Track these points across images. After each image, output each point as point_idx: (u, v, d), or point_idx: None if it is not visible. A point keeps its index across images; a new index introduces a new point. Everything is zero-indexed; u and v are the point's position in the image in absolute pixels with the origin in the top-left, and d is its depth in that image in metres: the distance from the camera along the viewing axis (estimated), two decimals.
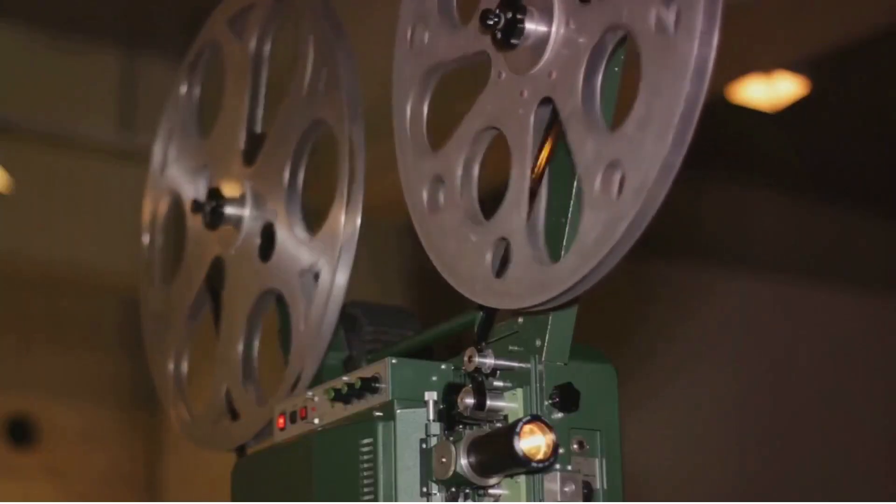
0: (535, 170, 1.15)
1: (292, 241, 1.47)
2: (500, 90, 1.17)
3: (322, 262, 1.42)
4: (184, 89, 1.70)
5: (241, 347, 1.51)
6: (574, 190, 1.14)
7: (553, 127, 1.13)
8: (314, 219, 1.50)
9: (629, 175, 1.03)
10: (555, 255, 1.13)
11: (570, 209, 1.14)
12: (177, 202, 1.70)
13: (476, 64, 1.21)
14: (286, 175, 1.49)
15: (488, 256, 1.16)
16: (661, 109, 1.00)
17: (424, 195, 1.24)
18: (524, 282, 1.12)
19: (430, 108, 1.28)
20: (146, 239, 1.74)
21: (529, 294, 1.11)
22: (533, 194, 1.15)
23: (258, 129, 1.58)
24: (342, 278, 1.40)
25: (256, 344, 1.52)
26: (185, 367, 1.65)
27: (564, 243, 1.14)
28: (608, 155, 1.05)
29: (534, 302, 1.11)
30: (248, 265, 1.52)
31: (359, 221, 1.40)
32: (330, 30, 1.45)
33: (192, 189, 1.65)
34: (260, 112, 1.59)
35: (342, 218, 1.40)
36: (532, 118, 1.14)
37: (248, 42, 1.59)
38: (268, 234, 1.51)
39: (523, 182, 1.14)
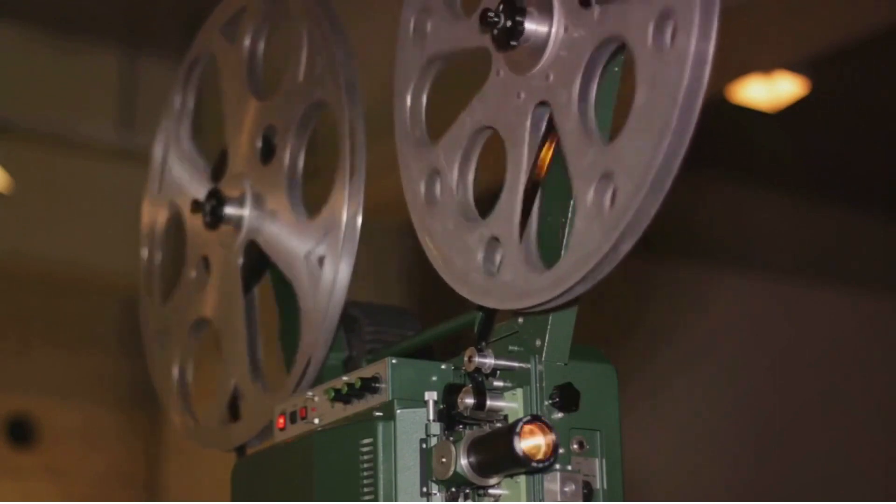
0: (536, 173, 1.15)
1: (293, 225, 1.47)
2: (498, 89, 1.17)
3: (326, 258, 1.42)
4: (178, 101, 1.71)
5: (245, 343, 1.51)
6: (571, 198, 1.13)
7: (551, 131, 1.13)
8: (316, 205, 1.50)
9: (621, 187, 1.03)
10: (547, 260, 1.13)
11: (568, 216, 1.14)
12: (176, 216, 1.70)
13: (476, 58, 1.22)
14: (286, 160, 1.49)
15: (480, 255, 1.17)
16: (652, 125, 1.00)
17: (422, 188, 1.25)
18: (511, 285, 1.13)
19: (429, 99, 1.28)
20: (145, 253, 1.73)
21: (512, 299, 1.12)
22: (530, 198, 1.15)
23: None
24: (344, 276, 1.40)
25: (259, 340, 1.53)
26: (188, 371, 1.65)
27: (562, 249, 1.14)
28: (602, 166, 1.05)
29: (517, 306, 1.12)
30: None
31: (360, 219, 1.40)
32: (324, 18, 1.46)
33: (194, 189, 1.65)
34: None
35: (344, 215, 1.40)
36: (528, 121, 1.14)
37: (241, 42, 1.59)
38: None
39: (517, 185, 1.15)
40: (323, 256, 1.42)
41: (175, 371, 1.65)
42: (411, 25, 1.28)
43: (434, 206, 1.23)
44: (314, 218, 1.44)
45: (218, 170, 1.61)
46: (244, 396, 1.51)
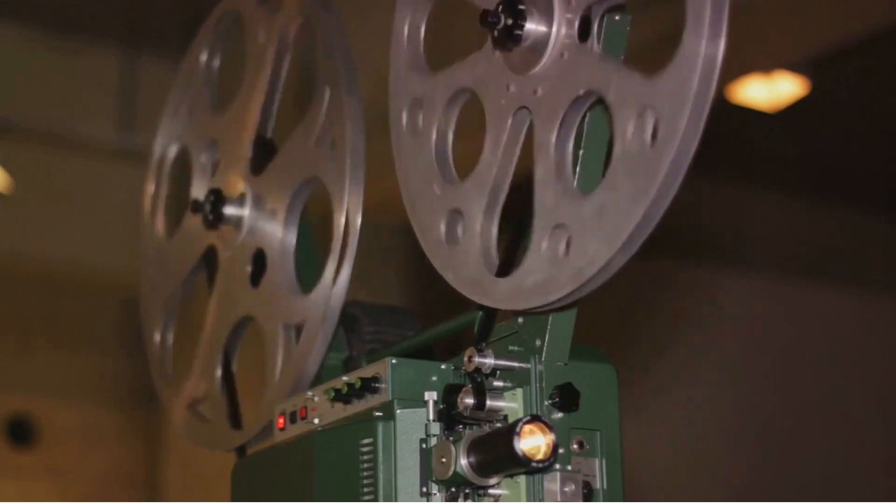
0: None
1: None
2: (491, 65, 1.17)
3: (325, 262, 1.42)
4: (203, 57, 1.67)
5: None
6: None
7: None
8: (315, 218, 1.50)
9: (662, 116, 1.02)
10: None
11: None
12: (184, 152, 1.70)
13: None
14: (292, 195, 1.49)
15: (544, 244, 1.12)
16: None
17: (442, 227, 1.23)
18: (577, 259, 1.09)
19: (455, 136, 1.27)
20: (151, 187, 1.73)
21: (578, 271, 1.07)
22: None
23: (268, 133, 1.57)
24: (344, 276, 1.40)
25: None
26: (170, 335, 1.67)
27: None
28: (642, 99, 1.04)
29: (584, 279, 1.07)
30: (239, 287, 1.52)
31: (359, 220, 1.40)
32: (326, 17, 1.46)
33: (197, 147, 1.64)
34: (272, 117, 1.57)
35: (343, 217, 1.40)
36: (510, 120, 1.15)
37: (273, 26, 1.57)
38: (259, 260, 1.51)
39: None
40: (301, 325, 1.42)
41: (157, 336, 1.67)
42: (404, 121, 1.28)
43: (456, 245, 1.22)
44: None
45: (259, 162, 1.58)
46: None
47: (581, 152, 1.12)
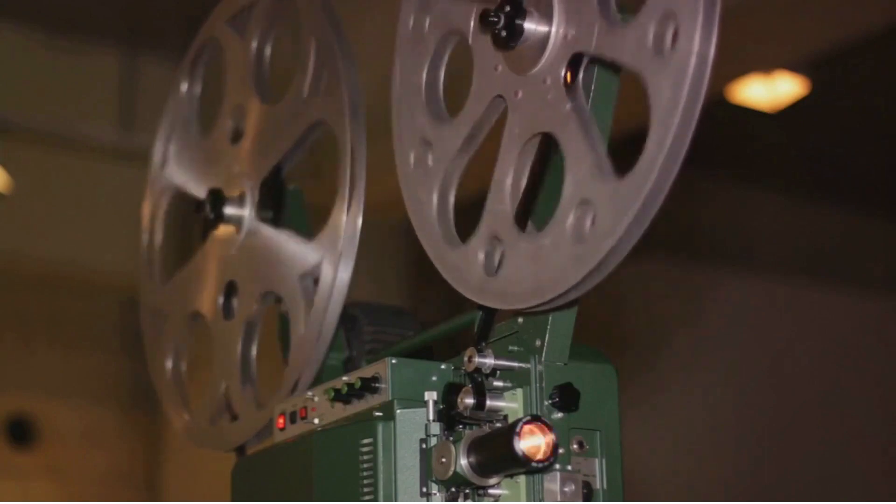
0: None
1: (293, 242, 1.47)
2: (496, 82, 1.17)
3: (324, 263, 1.42)
4: (184, 87, 1.70)
5: (239, 348, 1.51)
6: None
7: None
8: (315, 219, 1.50)
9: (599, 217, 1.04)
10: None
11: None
12: (177, 199, 1.70)
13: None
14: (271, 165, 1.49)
15: (481, 256, 1.16)
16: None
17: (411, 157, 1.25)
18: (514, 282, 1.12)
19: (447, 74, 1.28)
20: (145, 237, 1.73)
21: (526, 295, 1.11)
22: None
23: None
24: (344, 277, 1.40)
25: (255, 348, 1.52)
26: (183, 365, 1.65)
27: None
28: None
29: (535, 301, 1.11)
30: (251, 266, 1.52)
31: (360, 221, 1.39)
32: (330, 30, 1.45)
33: (194, 185, 1.65)
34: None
35: (343, 217, 1.40)
36: (487, 105, 1.16)
37: (249, 41, 1.58)
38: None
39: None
40: (318, 277, 1.42)
41: (169, 363, 1.65)
42: (410, 24, 1.28)
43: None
44: (316, 236, 1.44)
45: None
46: (235, 403, 1.51)
47: (539, 197, 1.13)
